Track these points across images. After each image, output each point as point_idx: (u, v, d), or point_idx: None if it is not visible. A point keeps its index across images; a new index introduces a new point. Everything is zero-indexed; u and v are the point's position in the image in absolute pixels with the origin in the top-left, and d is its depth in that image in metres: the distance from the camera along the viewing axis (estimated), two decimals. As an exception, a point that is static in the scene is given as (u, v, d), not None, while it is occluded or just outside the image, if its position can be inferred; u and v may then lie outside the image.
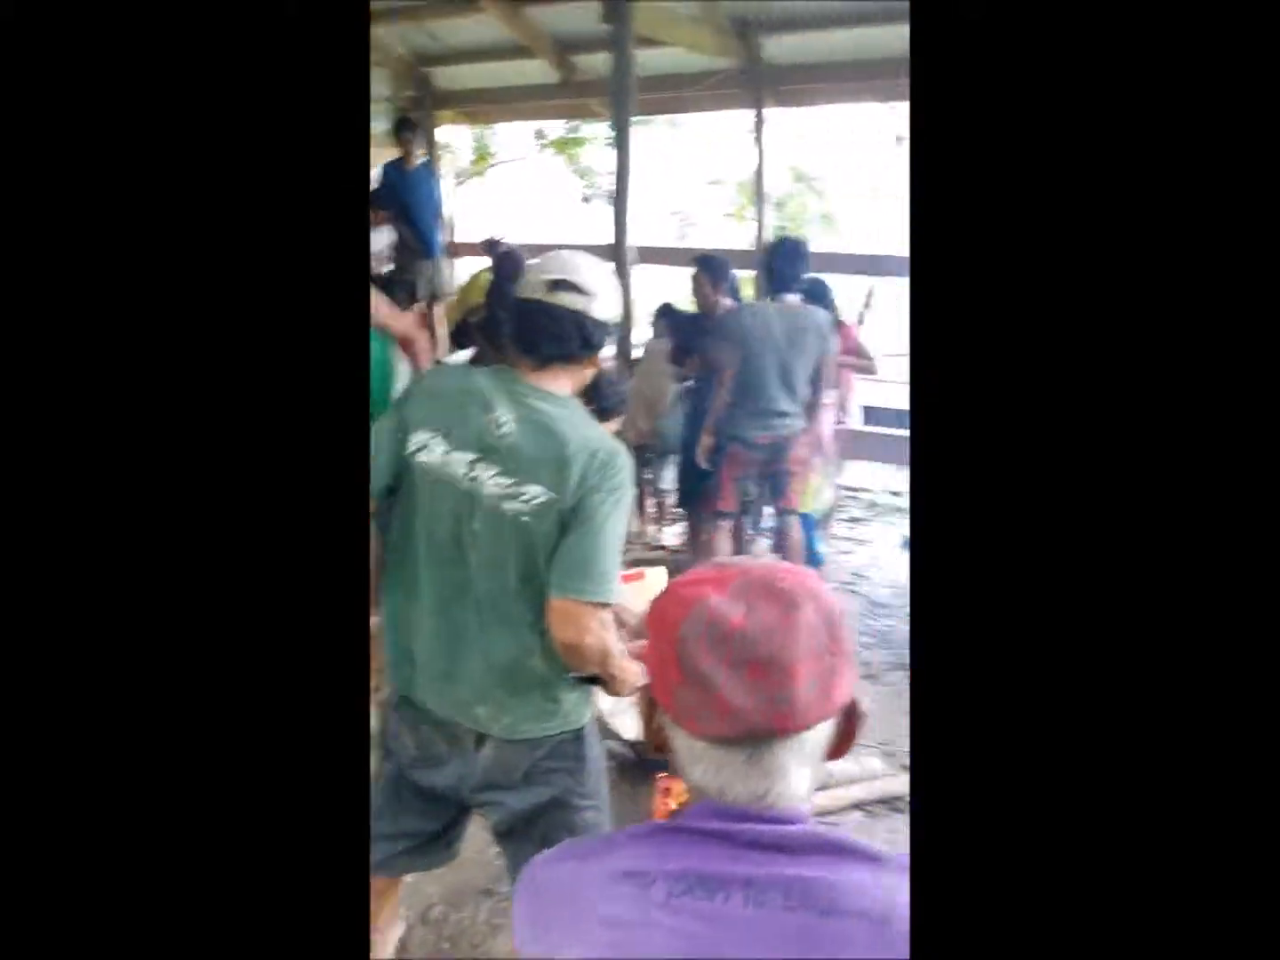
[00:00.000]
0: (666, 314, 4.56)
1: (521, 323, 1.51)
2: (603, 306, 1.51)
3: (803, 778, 0.70)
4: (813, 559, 4.12)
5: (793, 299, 3.52)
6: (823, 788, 2.45)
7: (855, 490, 6.19)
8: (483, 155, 9.82)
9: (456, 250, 6.94)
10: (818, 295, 3.89)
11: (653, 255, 5.57)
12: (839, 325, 4.17)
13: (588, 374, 1.56)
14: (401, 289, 5.42)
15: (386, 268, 5.75)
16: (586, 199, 9.89)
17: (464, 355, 4.20)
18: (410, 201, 5.49)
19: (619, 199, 4.46)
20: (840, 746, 0.74)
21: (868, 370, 4.38)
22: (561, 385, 1.51)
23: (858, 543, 4.98)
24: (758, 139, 5.58)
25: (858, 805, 2.43)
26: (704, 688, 0.67)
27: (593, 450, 1.42)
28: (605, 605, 1.40)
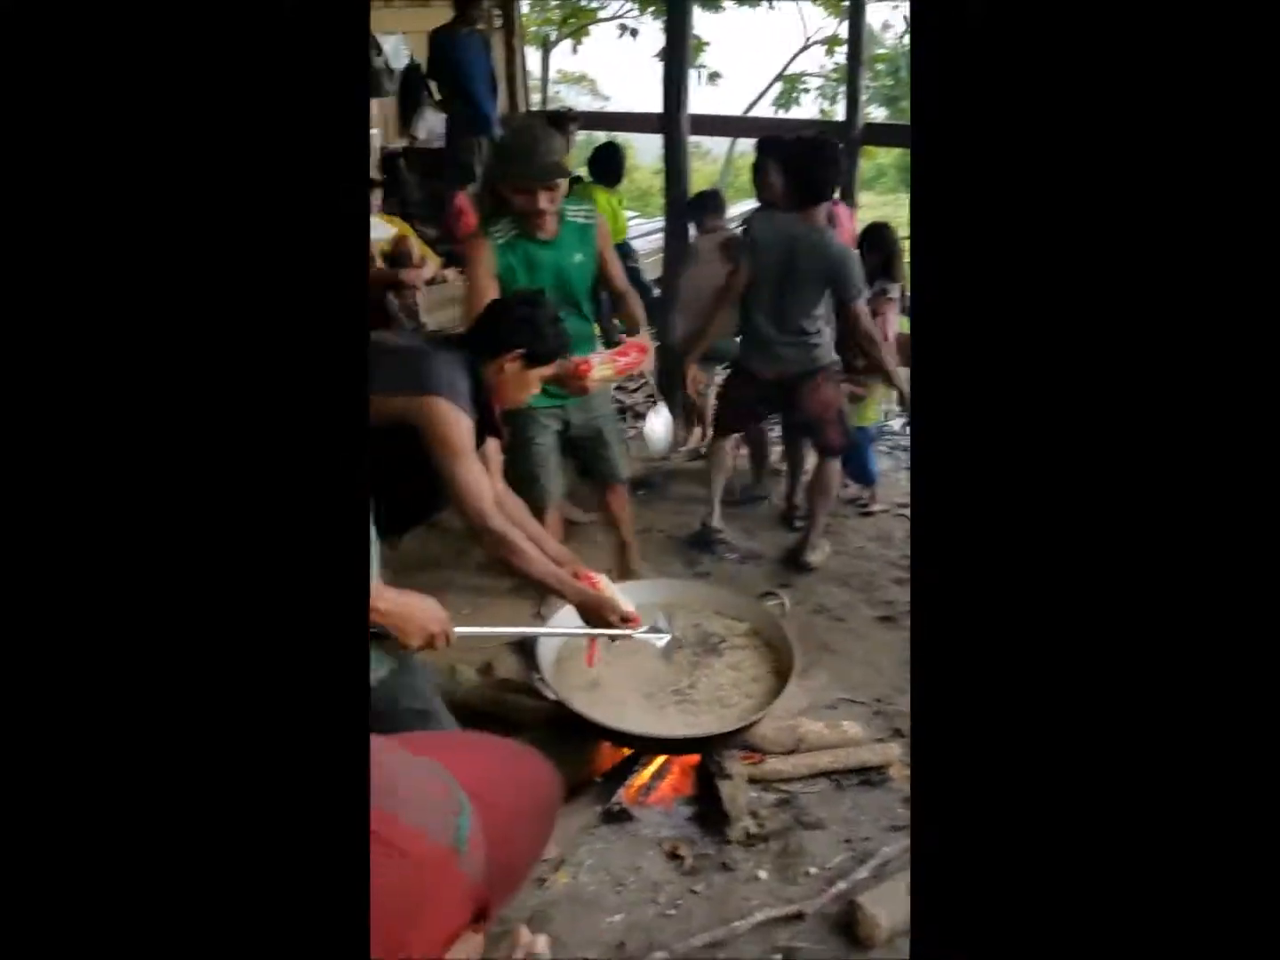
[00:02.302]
0: (710, 203, 4.07)
1: None
2: None
3: None
4: (866, 477, 3.73)
5: (818, 212, 2.96)
6: (790, 752, 2.18)
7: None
8: (576, 12, 9.08)
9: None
10: None
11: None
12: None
13: None
14: (455, 170, 5.11)
15: (438, 144, 5.44)
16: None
17: None
18: (461, 73, 5.09)
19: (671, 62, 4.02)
20: None
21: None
22: None
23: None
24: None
25: (826, 773, 2.15)
26: None
27: None
28: None
